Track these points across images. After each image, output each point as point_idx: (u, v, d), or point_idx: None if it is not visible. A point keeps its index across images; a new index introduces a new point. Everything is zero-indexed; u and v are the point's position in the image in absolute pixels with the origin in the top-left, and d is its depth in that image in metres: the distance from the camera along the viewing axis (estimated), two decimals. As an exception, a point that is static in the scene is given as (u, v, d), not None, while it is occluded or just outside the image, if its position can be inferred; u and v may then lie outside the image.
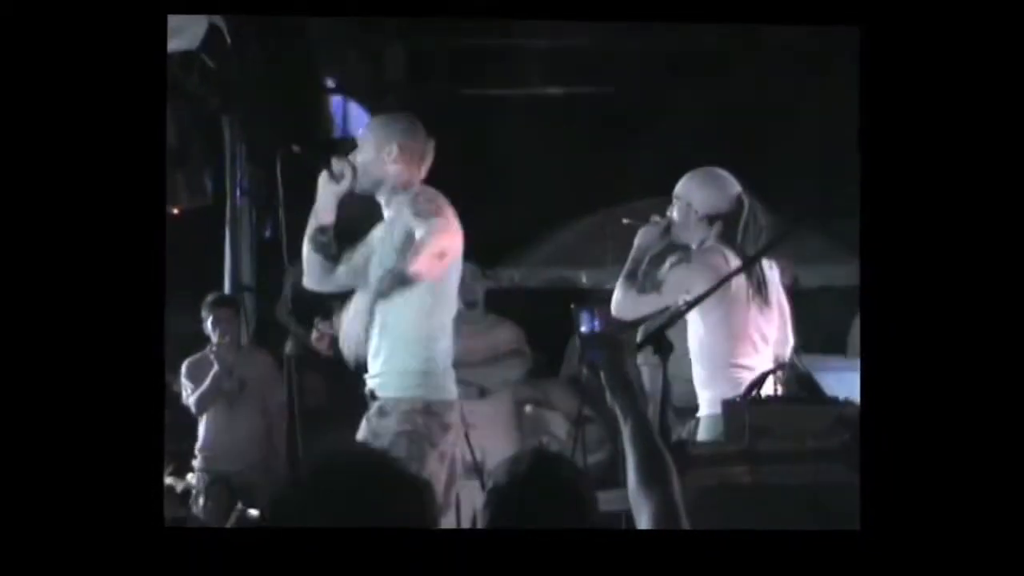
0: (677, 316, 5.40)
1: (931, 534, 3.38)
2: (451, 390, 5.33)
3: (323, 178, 5.38)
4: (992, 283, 3.45)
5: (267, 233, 9.78)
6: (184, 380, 8.67)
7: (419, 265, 5.09)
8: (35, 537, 3.28)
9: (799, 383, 5.38)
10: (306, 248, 5.45)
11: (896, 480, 3.42)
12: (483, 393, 7.77)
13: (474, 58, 10.58)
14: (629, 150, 10.35)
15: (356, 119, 10.30)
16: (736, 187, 5.85)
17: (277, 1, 4.07)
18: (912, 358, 3.46)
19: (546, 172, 10.29)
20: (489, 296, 8.29)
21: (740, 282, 5.65)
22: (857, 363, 3.86)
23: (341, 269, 5.45)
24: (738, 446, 5.20)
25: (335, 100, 10.44)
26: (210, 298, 8.79)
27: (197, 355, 8.70)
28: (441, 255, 5.13)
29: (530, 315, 8.79)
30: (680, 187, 5.90)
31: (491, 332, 7.98)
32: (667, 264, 5.79)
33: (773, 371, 5.37)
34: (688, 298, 5.49)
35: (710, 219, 5.79)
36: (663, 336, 4.66)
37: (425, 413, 5.19)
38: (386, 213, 5.40)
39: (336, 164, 5.35)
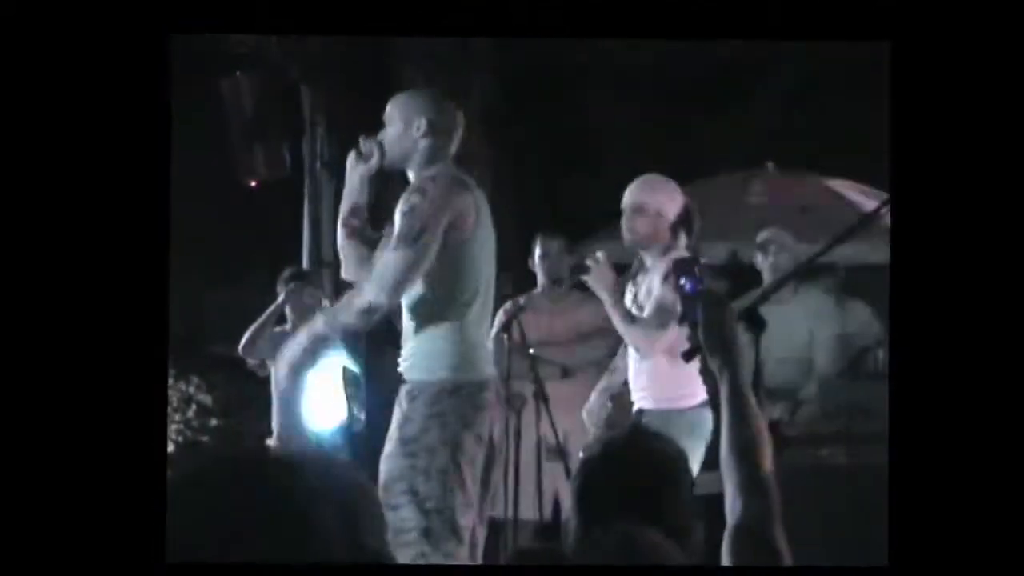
0: (770, 292, 5.23)
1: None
2: (485, 368, 5.10)
3: (351, 158, 5.27)
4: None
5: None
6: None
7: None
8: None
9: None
10: (340, 234, 5.34)
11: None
12: (566, 373, 7.60)
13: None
14: (719, 120, 10.19)
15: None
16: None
17: (284, 20, 3.91)
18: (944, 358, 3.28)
19: (634, 144, 10.12)
20: (575, 273, 8.11)
21: None
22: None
23: (378, 255, 5.22)
24: (834, 426, 5.02)
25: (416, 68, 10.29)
26: (287, 273, 8.66)
27: (275, 329, 8.60)
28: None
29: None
30: (641, 195, 5.75)
31: (576, 310, 7.79)
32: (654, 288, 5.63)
33: (867, 349, 5.19)
34: None
35: (675, 226, 5.62)
36: (756, 312, 4.43)
37: (454, 394, 4.97)
38: None
39: (364, 143, 5.22)
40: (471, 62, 10.31)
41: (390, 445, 4.98)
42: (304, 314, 8.45)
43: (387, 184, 5.42)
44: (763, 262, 7.27)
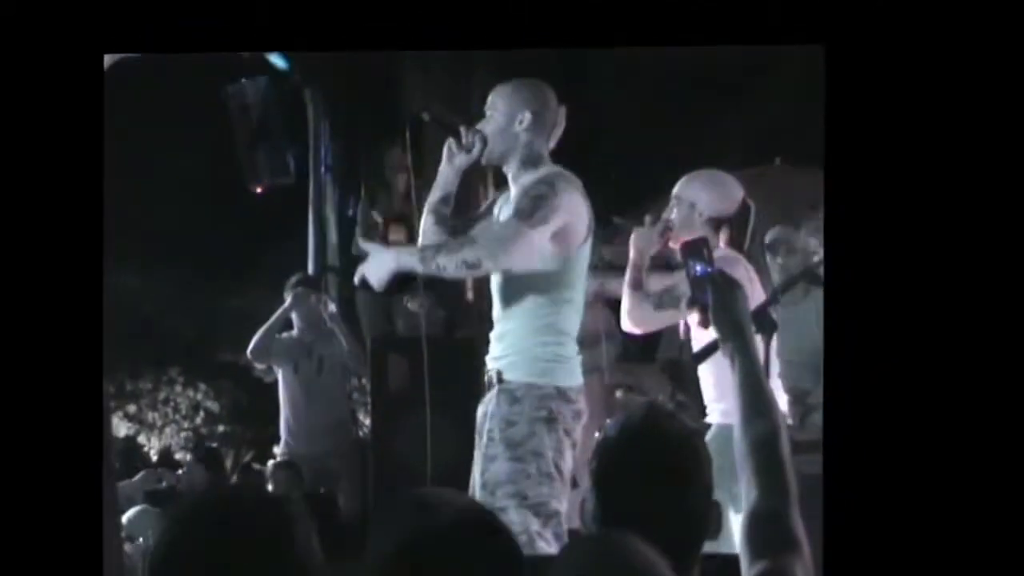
0: (778, 293, 5.19)
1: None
2: (580, 375, 5.07)
3: (448, 147, 5.20)
4: (957, 296, 3.31)
5: (350, 211, 9.63)
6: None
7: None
8: None
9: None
10: (426, 219, 5.25)
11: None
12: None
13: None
14: (726, 117, 10.14)
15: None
16: (740, 191, 5.64)
17: (217, 39, 3.86)
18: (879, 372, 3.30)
19: (640, 142, 10.09)
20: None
21: None
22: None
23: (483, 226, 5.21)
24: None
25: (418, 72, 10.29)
26: (293, 279, 8.69)
27: (282, 335, 8.62)
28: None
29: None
30: (681, 188, 5.66)
31: (579, 314, 7.76)
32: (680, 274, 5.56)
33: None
34: None
35: (715, 223, 5.56)
36: (766, 314, 4.40)
37: (559, 399, 4.95)
38: (512, 187, 5.17)
39: (465, 134, 5.13)
40: (473, 66, 10.30)
41: (494, 447, 4.94)
42: (310, 318, 8.48)
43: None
44: (772, 263, 7.20)
